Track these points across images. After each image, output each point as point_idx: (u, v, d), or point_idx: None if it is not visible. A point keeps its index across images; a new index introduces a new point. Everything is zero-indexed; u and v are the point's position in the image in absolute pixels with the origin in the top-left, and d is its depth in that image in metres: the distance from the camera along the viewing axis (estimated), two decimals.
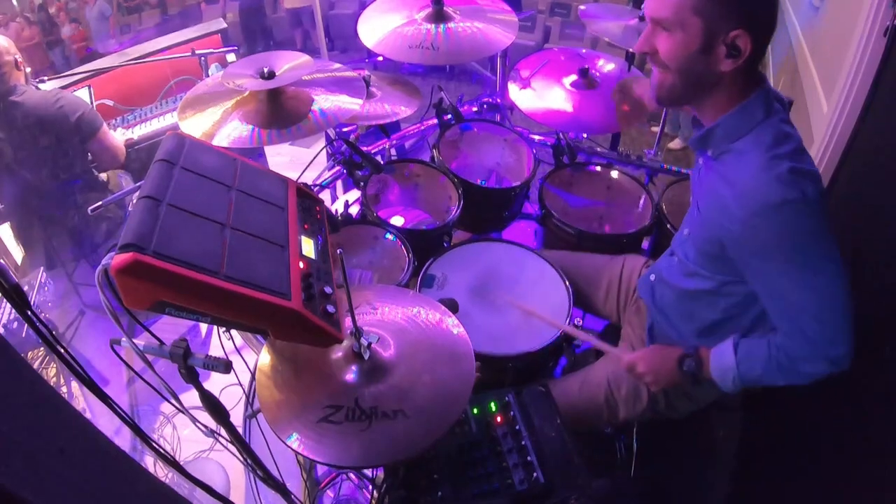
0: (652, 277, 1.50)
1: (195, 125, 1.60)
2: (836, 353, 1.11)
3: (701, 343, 1.30)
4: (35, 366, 2.20)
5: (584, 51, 2.37)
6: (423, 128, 2.61)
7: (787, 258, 1.06)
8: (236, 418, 1.07)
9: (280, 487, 1.18)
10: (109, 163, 2.64)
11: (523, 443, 1.14)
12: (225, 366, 0.92)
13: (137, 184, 2.54)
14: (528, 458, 1.12)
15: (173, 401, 1.01)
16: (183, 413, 1.04)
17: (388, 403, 1.01)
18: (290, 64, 1.67)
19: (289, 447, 0.96)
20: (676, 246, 1.41)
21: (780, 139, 1.08)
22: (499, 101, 2.74)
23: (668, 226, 1.88)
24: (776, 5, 1.06)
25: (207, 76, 2.57)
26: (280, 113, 1.63)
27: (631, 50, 2.19)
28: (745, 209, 1.06)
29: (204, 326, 2.71)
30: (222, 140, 1.54)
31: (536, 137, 2.40)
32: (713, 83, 1.10)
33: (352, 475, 1.70)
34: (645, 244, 2.10)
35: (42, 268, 2.66)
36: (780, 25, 1.09)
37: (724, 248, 1.17)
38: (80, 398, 2.29)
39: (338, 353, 1.08)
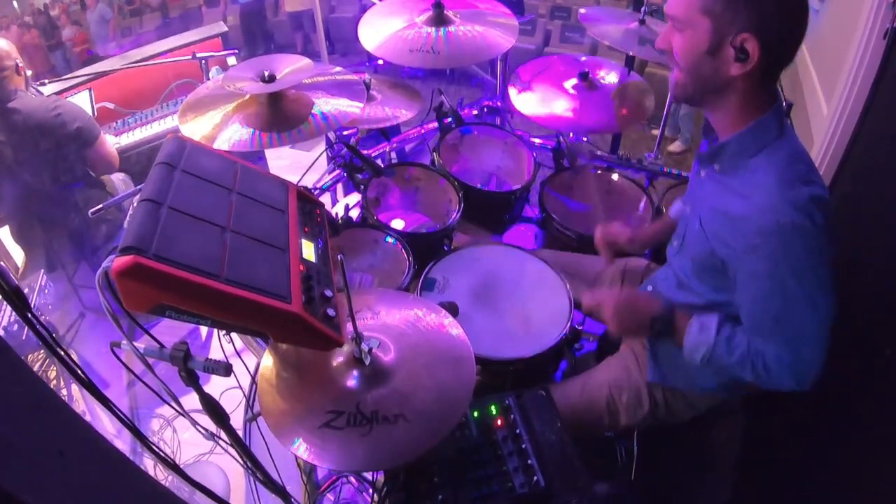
0: (649, 289, 1.51)
1: (196, 128, 1.60)
2: (803, 376, 1.13)
3: None
4: (35, 368, 2.20)
5: (583, 58, 2.38)
6: (423, 131, 2.62)
7: (782, 278, 1.07)
8: (236, 421, 1.07)
9: (280, 491, 1.18)
10: (105, 170, 2.65)
11: (524, 446, 1.14)
12: (225, 369, 0.92)
13: (138, 186, 2.54)
14: (529, 462, 1.12)
15: (173, 404, 1.01)
16: (183, 416, 1.04)
17: (390, 408, 1.01)
18: (290, 67, 1.67)
19: (293, 453, 0.97)
20: (671, 257, 1.42)
21: (794, 159, 1.08)
22: (499, 104, 2.74)
23: None
24: (794, 17, 1.03)
25: (208, 79, 2.57)
26: (280, 116, 1.63)
27: (631, 53, 2.19)
28: (756, 225, 1.05)
29: (204, 329, 2.71)
30: (223, 143, 1.54)
31: (536, 141, 2.40)
32: (723, 87, 1.10)
33: (352, 479, 1.70)
34: None
35: (42, 270, 2.67)
36: None
37: (724, 260, 1.16)
38: (80, 401, 2.29)
39: (339, 358, 1.08)
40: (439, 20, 2.00)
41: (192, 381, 0.93)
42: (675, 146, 4.61)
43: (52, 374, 2.29)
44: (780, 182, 1.05)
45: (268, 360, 1.11)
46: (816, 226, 1.02)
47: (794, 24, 1.03)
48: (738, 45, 1.02)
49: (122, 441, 2.03)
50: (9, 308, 2.26)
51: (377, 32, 1.99)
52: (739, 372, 1.19)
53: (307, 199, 1.24)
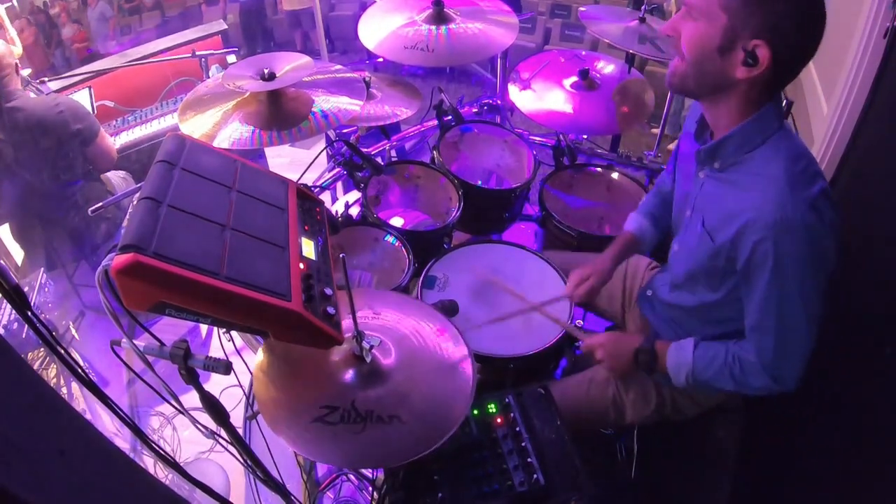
0: (649, 293, 1.52)
1: (196, 126, 1.60)
2: (782, 374, 1.15)
3: None
4: (35, 367, 2.20)
5: (583, 52, 2.37)
6: (423, 129, 2.62)
7: (784, 276, 1.06)
8: (236, 419, 1.07)
9: (280, 488, 1.18)
10: (105, 166, 2.67)
11: (523, 444, 1.14)
12: (225, 367, 0.92)
13: (138, 185, 2.55)
14: (529, 460, 1.12)
15: (173, 402, 1.01)
16: (183, 414, 1.04)
17: (385, 408, 1.01)
18: (290, 65, 1.67)
19: (285, 443, 0.97)
20: (671, 261, 1.41)
21: (797, 153, 1.08)
22: (499, 102, 2.74)
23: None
24: (811, 33, 1.01)
25: (208, 77, 2.57)
26: (280, 114, 1.63)
27: (631, 51, 2.19)
28: (764, 218, 1.04)
29: (204, 327, 2.71)
30: (223, 141, 1.54)
31: (536, 139, 2.40)
32: (726, 87, 1.08)
33: (352, 476, 1.70)
34: None
35: (42, 269, 2.66)
36: None
37: (730, 259, 1.14)
38: (80, 399, 2.29)
39: (337, 355, 1.09)
40: (439, 18, 1.99)
41: (192, 379, 0.93)
42: (675, 145, 4.61)
43: (52, 372, 2.28)
44: (788, 177, 1.04)
45: (264, 352, 1.11)
46: (825, 223, 1.02)
47: (808, 39, 1.02)
48: (750, 49, 1.00)
49: (122, 439, 2.03)
50: (9, 306, 2.26)
51: (377, 30, 1.99)
52: (721, 384, 1.23)
53: (307, 197, 1.23)
